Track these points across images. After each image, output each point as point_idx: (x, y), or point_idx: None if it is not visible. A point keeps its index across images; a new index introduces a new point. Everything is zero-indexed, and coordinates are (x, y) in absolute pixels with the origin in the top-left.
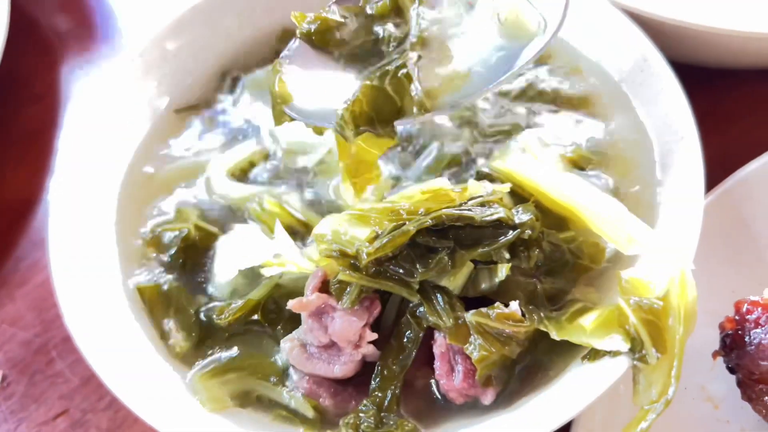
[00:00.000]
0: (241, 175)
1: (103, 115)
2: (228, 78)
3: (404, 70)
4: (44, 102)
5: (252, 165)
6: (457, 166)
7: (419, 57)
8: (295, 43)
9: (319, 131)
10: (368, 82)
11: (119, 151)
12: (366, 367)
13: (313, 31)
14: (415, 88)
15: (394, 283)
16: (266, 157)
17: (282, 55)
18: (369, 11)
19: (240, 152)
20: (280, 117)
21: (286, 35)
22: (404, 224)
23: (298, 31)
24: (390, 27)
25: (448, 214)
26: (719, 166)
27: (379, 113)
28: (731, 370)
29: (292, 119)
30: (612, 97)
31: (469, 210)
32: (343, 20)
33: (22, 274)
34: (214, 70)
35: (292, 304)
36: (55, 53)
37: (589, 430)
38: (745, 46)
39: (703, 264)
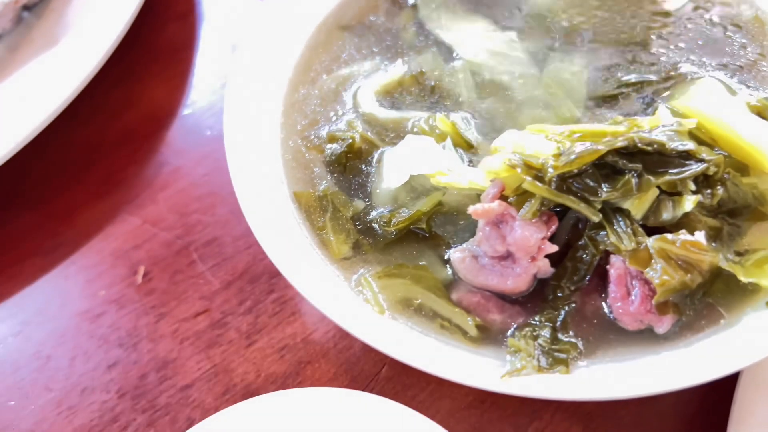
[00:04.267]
0: (390, 96)
1: (268, 30)
2: None
3: None
4: (186, 20)
5: (401, 86)
6: (629, 97)
7: None
8: None
9: None
10: None
11: (283, 62)
12: (532, 291)
13: None
14: None
15: (577, 200)
16: (416, 81)
17: None
18: None
19: (390, 74)
20: None
21: None
22: (591, 143)
23: None
24: None
25: (641, 137)
26: None
27: None
28: None
29: None
30: None
31: (660, 136)
32: None
33: (164, 178)
34: None
35: (474, 209)
36: None
37: (761, 381)
38: None
39: None
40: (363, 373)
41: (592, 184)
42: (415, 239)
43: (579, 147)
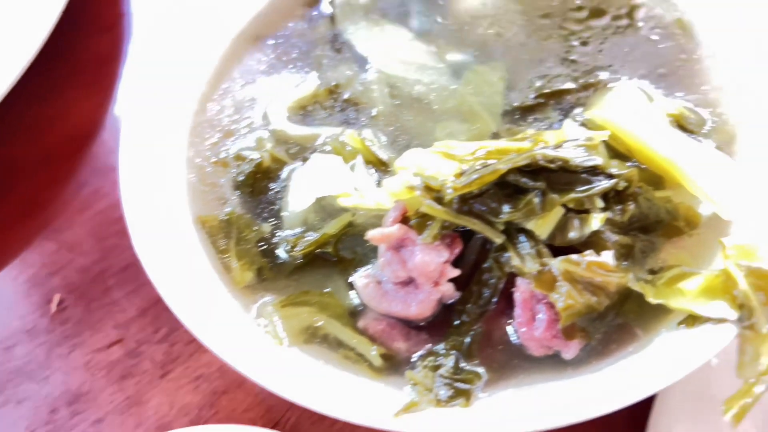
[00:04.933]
0: (302, 111)
1: (174, 42)
2: (313, 5)
3: None
4: (112, 33)
5: (315, 100)
6: (547, 107)
7: None
8: None
9: None
10: None
11: (191, 78)
12: (439, 316)
13: None
14: None
15: (478, 221)
16: (330, 94)
17: None
18: None
19: (303, 88)
20: None
21: None
22: (494, 162)
23: None
24: None
25: (543, 154)
26: None
27: None
28: None
29: None
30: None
31: (565, 152)
32: None
33: (83, 200)
34: None
35: (372, 235)
36: None
37: (674, 403)
38: None
39: None
40: (279, 403)
41: (493, 204)
42: (322, 264)
43: (479, 167)
